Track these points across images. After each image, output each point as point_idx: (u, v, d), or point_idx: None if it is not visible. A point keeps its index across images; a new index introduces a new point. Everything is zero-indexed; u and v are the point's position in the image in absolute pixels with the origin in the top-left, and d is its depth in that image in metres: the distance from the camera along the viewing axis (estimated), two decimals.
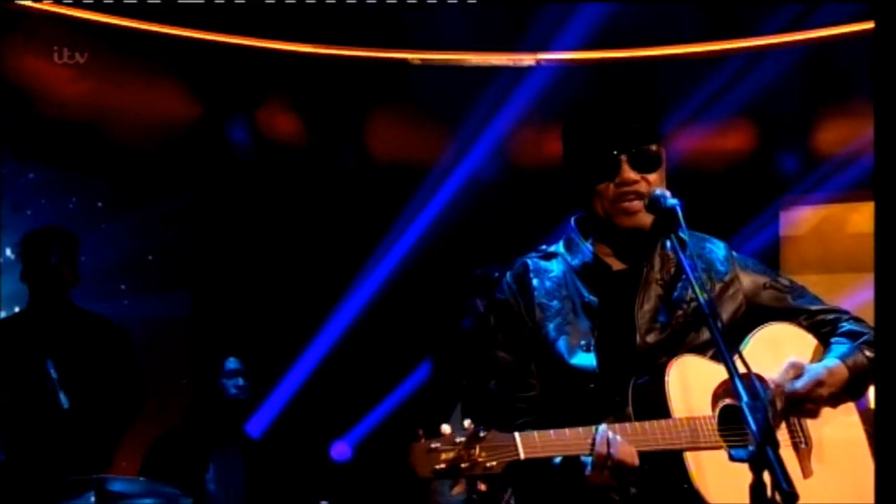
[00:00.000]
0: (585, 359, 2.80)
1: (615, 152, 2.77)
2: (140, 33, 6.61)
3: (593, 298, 2.86)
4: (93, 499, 4.26)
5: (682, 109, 7.13)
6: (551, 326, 2.85)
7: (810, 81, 7.22)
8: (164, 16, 6.56)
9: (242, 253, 7.41)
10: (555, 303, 2.89)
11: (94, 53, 6.57)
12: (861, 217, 7.35)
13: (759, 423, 2.20)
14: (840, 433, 2.72)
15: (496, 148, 7.29)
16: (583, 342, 2.82)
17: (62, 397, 4.41)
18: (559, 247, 2.98)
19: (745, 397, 2.27)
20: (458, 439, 2.38)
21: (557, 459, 2.54)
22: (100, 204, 7.13)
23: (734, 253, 2.97)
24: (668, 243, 2.80)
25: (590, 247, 2.90)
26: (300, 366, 6.96)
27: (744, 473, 2.47)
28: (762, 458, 2.14)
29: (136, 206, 7.10)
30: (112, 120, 6.95)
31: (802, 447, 2.70)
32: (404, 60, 6.68)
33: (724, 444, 2.58)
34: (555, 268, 2.94)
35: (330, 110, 7.41)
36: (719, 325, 2.47)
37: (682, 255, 2.63)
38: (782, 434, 2.66)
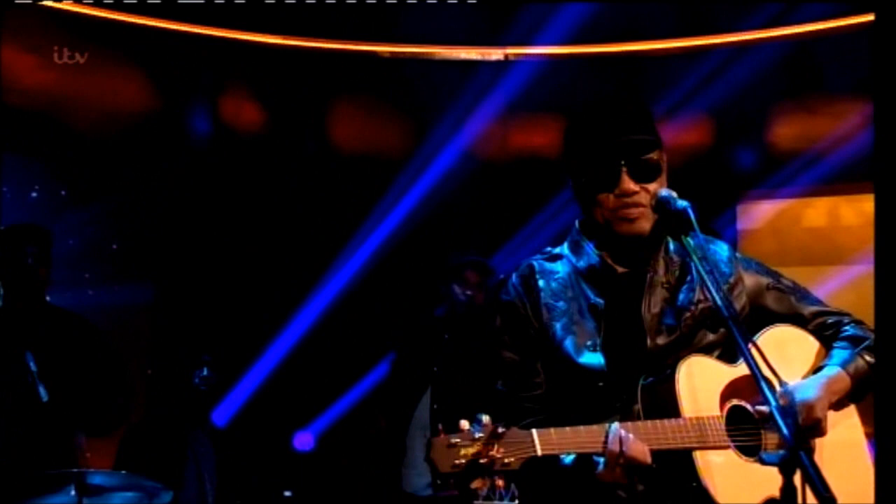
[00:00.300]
0: (593, 358, 2.81)
1: (616, 163, 2.76)
2: (102, 22, 6.53)
3: (599, 300, 2.86)
4: (73, 492, 4.20)
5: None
6: (558, 326, 2.85)
7: (768, 79, 7.30)
8: (127, 5, 6.48)
9: (205, 242, 7.35)
10: (561, 303, 2.89)
11: (57, 43, 6.45)
12: (815, 212, 7.50)
13: (790, 427, 2.21)
14: (841, 436, 2.74)
15: (462, 141, 7.30)
16: (589, 342, 2.82)
17: (41, 390, 4.34)
18: (564, 248, 2.98)
19: (773, 401, 2.28)
20: (477, 435, 2.38)
21: (569, 458, 2.54)
22: (63, 192, 7.02)
23: (737, 254, 2.97)
24: (673, 246, 2.82)
25: (595, 250, 2.90)
26: (266, 356, 6.92)
27: (751, 473, 2.52)
28: (795, 462, 2.15)
29: (100, 195, 6.99)
30: (75, 109, 6.87)
31: (810, 450, 2.67)
32: (374, 53, 6.64)
33: (731, 444, 2.60)
34: (560, 269, 2.94)
35: (293, 100, 7.35)
36: (743, 329, 2.47)
37: (696, 262, 2.63)
38: None
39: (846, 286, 6.97)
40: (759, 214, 7.57)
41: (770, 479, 2.46)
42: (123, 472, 4.66)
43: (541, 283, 2.90)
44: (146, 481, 4.50)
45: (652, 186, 2.74)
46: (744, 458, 2.58)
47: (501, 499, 4.49)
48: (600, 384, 2.74)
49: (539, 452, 2.43)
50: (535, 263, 2.95)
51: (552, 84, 6.96)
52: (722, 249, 2.95)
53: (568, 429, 2.50)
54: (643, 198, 2.74)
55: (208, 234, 7.33)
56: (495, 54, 6.58)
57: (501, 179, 7.36)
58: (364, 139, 7.49)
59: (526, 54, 6.60)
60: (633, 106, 2.84)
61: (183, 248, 7.35)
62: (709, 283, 2.56)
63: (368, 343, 6.75)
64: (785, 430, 2.20)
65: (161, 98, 7.15)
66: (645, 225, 2.76)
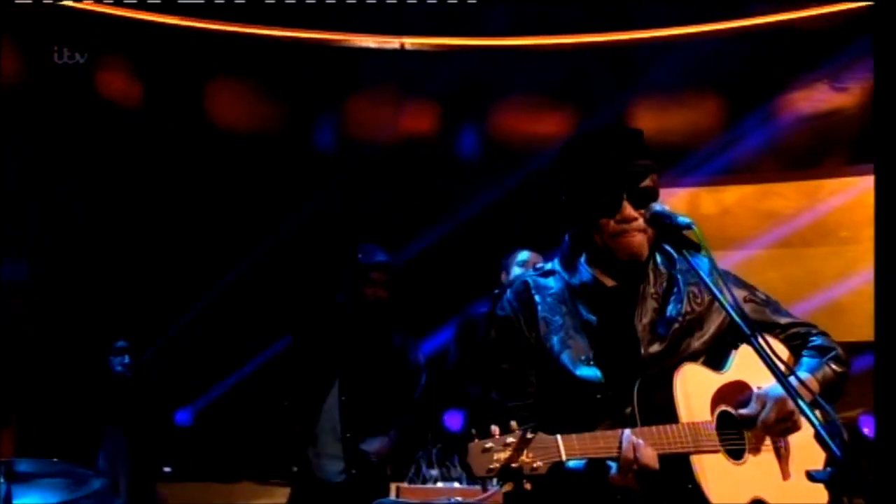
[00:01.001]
0: (590, 371, 2.84)
1: (617, 192, 2.78)
2: None
3: (591, 317, 2.89)
4: (1, 479, 4.04)
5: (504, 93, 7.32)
6: (555, 340, 2.88)
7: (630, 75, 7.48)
8: None
9: (82, 219, 7.10)
10: (557, 318, 2.91)
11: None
12: (678, 201, 7.74)
13: (839, 447, 2.28)
14: (809, 439, 2.86)
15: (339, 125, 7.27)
16: (583, 357, 2.85)
17: None
18: (556, 264, 2.99)
19: (816, 422, 2.35)
20: (508, 440, 2.41)
21: (580, 462, 2.58)
22: None
23: (717, 266, 2.98)
24: (659, 259, 2.89)
25: (587, 267, 2.92)
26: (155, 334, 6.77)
27: (739, 475, 2.65)
28: (845, 480, 2.23)
29: None
30: None
31: (783, 452, 2.80)
32: (270, 38, 6.53)
33: (721, 448, 2.68)
34: (553, 285, 2.96)
35: (172, 77, 7.16)
36: (765, 342, 2.53)
37: (705, 276, 2.68)
38: (767, 441, 2.77)
39: None
40: (670, 201, 7.79)
41: (755, 481, 2.67)
42: (54, 459, 4.49)
43: (537, 297, 2.92)
44: (77, 468, 4.36)
45: (646, 211, 2.78)
46: (731, 460, 2.67)
47: (425, 481, 4.56)
48: (598, 396, 2.79)
49: (563, 457, 2.46)
50: (529, 280, 2.98)
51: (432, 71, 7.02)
52: (703, 262, 2.92)
53: (587, 435, 2.54)
54: (641, 223, 2.78)
55: (86, 210, 7.08)
56: (392, 43, 6.56)
57: (381, 162, 7.36)
58: (244, 118, 7.36)
59: (422, 44, 6.60)
60: (631, 135, 2.87)
61: (59, 225, 7.08)
62: (721, 300, 2.62)
63: (260, 325, 6.67)
64: (835, 450, 2.27)
65: (32, 71, 6.86)
66: (644, 249, 2.81)
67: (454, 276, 7.06)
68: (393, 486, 4.55)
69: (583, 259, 2.91)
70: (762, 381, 2.75)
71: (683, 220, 2.71)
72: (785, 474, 2.73)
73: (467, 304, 5.73)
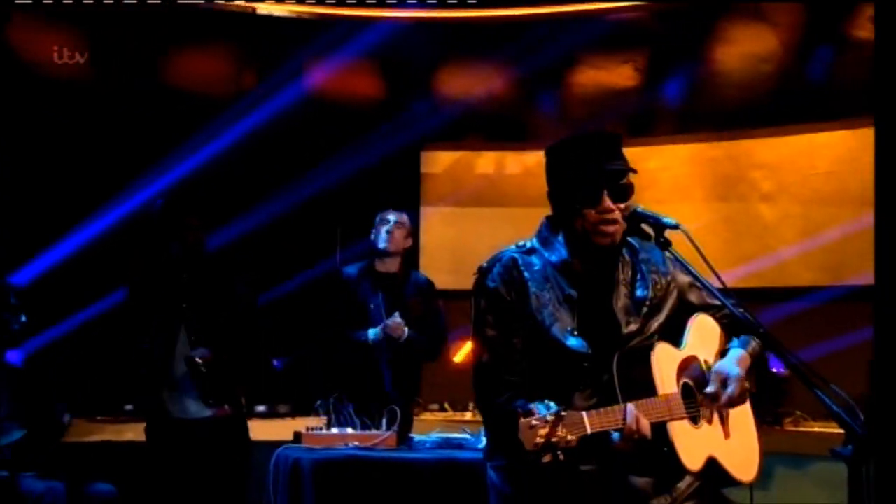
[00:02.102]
0: (578, 342, 3.05)
1: (599, 187, 3.01)
2: None
3: (572, 291, 3.09)
4: None
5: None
6: (546, 313, 3.06)
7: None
8: None
9: None
10: (545, 293, 3.09)
11: None
12: (485, 161, 8.11)
13: (860, 427, 2.55)
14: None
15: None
16: (569, 328, 3.06)
17: None
18: (534, 243, 3.18)
19: (833, 406, 2.60)
20: (548, 417, 2.66)
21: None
22: None
23: (666, 254, 3.22)
24: (625, 250, 3.18)
25: (565, 247, 3.12)
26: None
27: (699, 438, 3.01)
28: (865, 456, 2.51)
29: None
30: None
31: (724, 416, 3.15)
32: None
33: (686, 415, 3.02)
34: (536, 262, 3.13)
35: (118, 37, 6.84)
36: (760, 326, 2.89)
37: (660, 265, 3.09)
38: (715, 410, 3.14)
39: (507, 224, 7.67)
40: (439, 161, 8.05)
41: (709, 442, 3.05)
42: None
43: (526, 274, 3.10)
44: None
45: (624, 205, 3.05)
46: (692, 425, 3.03)
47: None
48: (584, 364, 3.02)
49: (589, 431, 2.69)
50: (517, 257, 3.14)
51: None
52: (656, 251, 3.21)
53: (600, 410, 2.79)
54: (618, 215, 3.04)
55: None
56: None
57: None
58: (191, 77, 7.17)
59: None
60: (612, 139, 3.12)
61: None
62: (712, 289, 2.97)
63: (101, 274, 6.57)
64: (856, 429, 2.53)
65: None
66: (618, 238, 3.07)
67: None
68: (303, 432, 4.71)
69: (560, 239, 3.14)
70: (709, 356, 3.14)
71: (669, 221, 3.00)
72: (727, 434, 3.11)
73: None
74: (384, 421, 4.79)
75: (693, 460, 2.95)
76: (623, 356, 3.02)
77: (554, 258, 3.12)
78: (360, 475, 4.36)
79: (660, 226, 3.00)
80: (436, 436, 4.79)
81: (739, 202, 7.35)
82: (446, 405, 7.19)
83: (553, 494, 2.98)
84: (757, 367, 3.17)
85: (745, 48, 7.28)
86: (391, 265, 5.55)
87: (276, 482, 4.56)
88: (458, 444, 4.71)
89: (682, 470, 2.95)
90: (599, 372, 3.01)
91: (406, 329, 5.30)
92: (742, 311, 3.19)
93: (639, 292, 3.15)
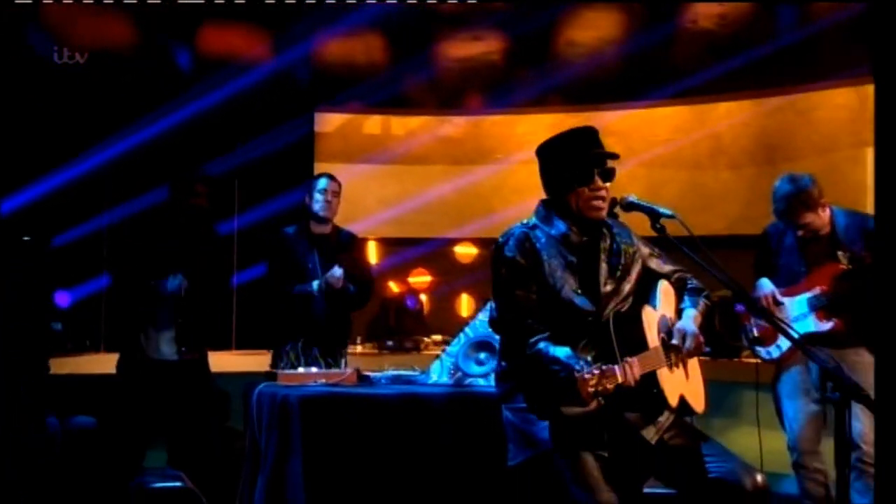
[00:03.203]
0: (584, 300, 3.46)
1: (591, 169, 3.45)
2: None
3: (573, 259, 3.49)
4: None
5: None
6: (556, 277, 3.46)
7: None
8: None
9: None
10: (553, 260, 3.48)
11: None
12: (372, 123, 8.46)
13: (847, 379, 2.96)
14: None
15: None
16: (575, 289, 3.45)
17: None
18: (536, 221, 3.56)
19: (821, 359, 3.10)
20: (595, 372, 3.08)
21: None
22: None
23: (630, 230, 3.69)
24: (615, 228, 3.61)
25: (562, 221, 3.51)
26: None
27: (673, 380, 3.45)
28: (848, 402, 2.96)
29: None
30: None
31: (683, 362, 3.56)
32: None
33: (666, 363, 3.43)
34: (541, 235, 3.52)
35: None
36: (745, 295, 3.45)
37: (632, 239, 3.62)
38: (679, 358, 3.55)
39: (392, 179, 8.11)
40: (330, 122, 8.33)
41: (679, 383, 3.52)
42: None
43: (538, 245, 3.49)
44: None
45: (609, 185, 3.49)
46: (669, 371, 3.43)
47: (293, 368, 5.07)
48: (589, 319, 3.44)
49: (619, 380, 3.12)
50: (527, 232, 3.53)
51: None
52: (625, 229, 3.65)
53: (624, 365, 3.17)
54: (605, 192, 3.48)
55: None
56: None
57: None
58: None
59: None
60: (592, 132, 3.56)
61: None
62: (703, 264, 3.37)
63: None
64: (846, 380, 2.95)
65: None
66: (605, 212, 3.51)
67: None
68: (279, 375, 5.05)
69: (556, 216, 3.54)
70: (670, 313, 3.60)
71: (665, 210, 3.43)
72: (686, 376, 3.56)
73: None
74: (343, 361, 5.24)
75: (673, 398, 3.42)
76: (617, 316, 3.43)
77: (554, 231, 3.53)
78: (341, 409, 4.62)
79: (655, 214, 3.43)
80: (388, 373, 5.12)
81: None
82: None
83: (568, 429, 3.37)
84: (706, 320, 3.65)
85: (593, 32, 7.78)
86: (325, 228, 5.80)
87: (260, 416, 4.76)
88: (409, 380, 5.06)
89: (663, 406, 3.39)
90: (597, 327, 3.44)
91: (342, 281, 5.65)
92: (690, 277, 3.78)
93: (614, 259, 3.58)
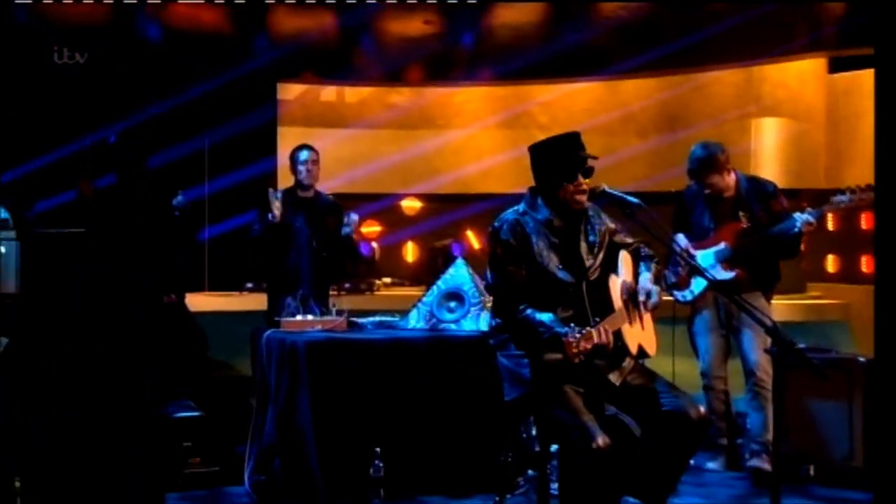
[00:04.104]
0: (566, 274, 3.74)
1: (575, 170, 3.74)
2: None
3: (556, 240, 3.77)
4: None
5: None
6: (544, 255, 3.73)
7: None
8: None
9: None
10: (539, 241, 3.75)
11: None
12: (327, 92, 8.57)
13: (782, 336, 3.32)
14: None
15: None
16: (558, 265, 3.74)
17: None
18: (524, 208, 3.83)
19: (758, 318, 3.48)
20: (577, 335, 3.44)
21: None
22: None
23: (599, 210, 3.98)
24: (590, 212, 3.91)
25: (546, 209, 3.78)
26: None
27: (633, 333, 3.81)
28: (783, 355, 3.30)
29: None
30: None
31: (638, 315, 3.88)
32: None
33: (628, 321, 3.78)
34: (529, 221, 3.79)
35: None
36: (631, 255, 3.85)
37: (607, 221, 3.97)
38: (633, 312, 3.87)
39: (346, 142, 8.26)
40: (291, 91, 8.44)
41: (637, 334, 3.85)
42: None
43: (528, 229, 3.78)
44: None
45: (589, 181, 3.78)
46: (630, 325, 3.78)
47: (293, 316, 5.24)
48: (571, 290, 3.76)
49: (596, 341, 3.48)
50: (518, 218, 3.80)
51: None
52: (598, 212, 3.93)
53: (597, 328, 3.53)
54: (586, 188, 3.78)
55: None
56: None
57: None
58: None
59: None
60: (577, 137, 3.83)
61: None
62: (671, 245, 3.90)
63: None
64: (782, 338, 3.30)
65: None
66: (585, 204, 3.82)
67: None
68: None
69: (542, 204, 3.82)
70: (629, 278, 3.92)
71: (633, 200, 3.72)
72: (642, 327, 3.91)
73: None
74: (334, 310, 5.50)
75: (633, 347, 3.81)
76: (589, 285, 3.81)
77: (540, 216, 3.81)
78: (340, 351, 4.90)
79: (625, 203, 3.74)
80: (373, 319, 5.38)
81: (522, 130, 8.24)
82: None
83: (550, 373, 3.65)
84: (657, 283, 4.04)
85: (516, 17, 7.94)
86: (309, 193, 6.03)
87: (270, 358, 4.98)
88: (392, 325, 5.31)
89: (626, 354, 3.77)
90: (575, 294, 3.81)
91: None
92: (643, 246, 4.10)
93: (591, 238, 3.90)
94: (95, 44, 6.95)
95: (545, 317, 3.63)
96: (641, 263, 4.01)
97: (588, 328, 3.54)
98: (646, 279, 3.92)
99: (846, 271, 7.83)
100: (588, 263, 3.85)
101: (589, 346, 3.49)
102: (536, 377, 3.68)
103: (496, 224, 3.88)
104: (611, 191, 3.84)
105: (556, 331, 3.54)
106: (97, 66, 6.91)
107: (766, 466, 5.11)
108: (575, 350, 3.46)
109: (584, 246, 3.87)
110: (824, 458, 5.09)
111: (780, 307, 6.09)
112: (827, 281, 7.81)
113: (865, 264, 7.80)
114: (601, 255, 3.90)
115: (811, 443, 5.10)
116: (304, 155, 6.03)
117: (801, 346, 5.03)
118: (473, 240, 8.29)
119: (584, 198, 3.81)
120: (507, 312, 3.82)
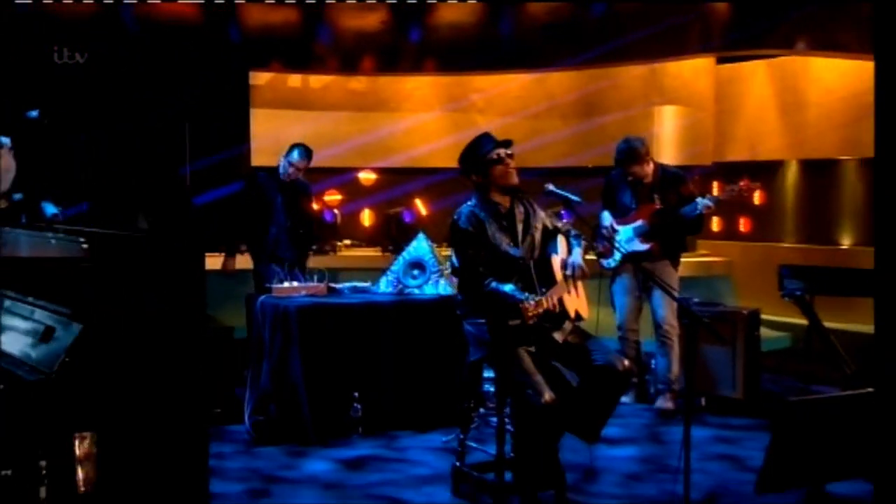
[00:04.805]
0: (517, 251, 3.97)
1: (501, 153, 4.03)
2: None
3: (504, 223, 4.02)
4: None
5: None
6: (497, 238, 3.99)
7: None
8: None
9: None
10: (491, 226, 4.00)
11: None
12: (294, 79, 8.74)
13: (692, 306, 3.88)
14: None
15: None
16: (509, 243, 3.99)
17: None
18: (475, 201, 4.08)
19: (674, 295, 4.08)
20: (533, 302, 3.67)
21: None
22: None
23: (534, 203, 4.20)
24: (522, 199, 4.14)
25: (491, 199, 4.04)
26: None
27: (570, 300, 4.12)
28: (696, 328, 3.80)
29: None
30: None
31: (573, 285, 4.09)
32: None
33: (567, 290, 4.02)
34: (480, 211, 4.05)
35: None
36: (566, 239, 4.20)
37: (537, 208, 4.21)
38: (570, 283, 4.09)
39: (312, 122, 8.47)
40: (262, 77, 8.60)
41: (573, 301, 4.06)
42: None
43: (482, 216, 4.03)
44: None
45: (513, 154, 4.03)
46: (568, 294, 4.01)
47: (281, 282, 5.51)
48: (521, 263, 3.99)
49: (546, 306, 3.76)
50: (474, 210, 4.03)
51: None
52: (531, 203, 4.12)
53: (546, 296, 3.79)
54: (511, 160, 4.02)
55: None
56: None
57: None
58: None
59: None
60: (489, 133, 4.13)
61: None
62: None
63: None
64: (685, 303, 4.03)
65: None
66: (516, 178, 4.03)
67: None
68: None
69: (485, 195, 4.07)
70: (565, 255, 4.12)
71: (574, 197, 4.01)
72: (577, 295, 4.14)
73: None
74: (314, 277, 5.83)
75: (571, 312, 4.06)
76: (535, 262, 4.07)
77: (488, 206, 4.07)
78: (325, 313, 5.23)
79: (567, 200, 4.07)
80: (348, 285, 5.71)
81: (463, 114, 8.66)
82: None
83: (508, 336, 3.88)
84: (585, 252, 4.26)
85: (454, 15, 8.25)
86: (287, 179, 6.32)
87: (264, 319, 5.22)
88: (365, 290, 5.62)
89: (566, 318, 4.02)
90: (524, 269, 4.06)
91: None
92: (572, 228, 4.39)
93: (525, 223, 4.12)
94: (95, 44, 6.97)
95: (507, 287, 3.87)
96: (573, 241, 4.25)
97: (539, 296, 3.87)
98: (576, 255, 4.17)
99: (728, 231, 8.58)
100: (523, 243, 4.08)
101: (541, 311, 3.78)
102: (495, 340, 3.96)
103: (455, 217, 4.10)
104: (555, 189, 4.14)
105: (517, 297, 3.83)
106: (97, 65, 6.88)
107: (670, 405, 5.70)
108: (531, 314, 3.75)
109: (520, 227, 4.10)
110: (714, 392, 5.75)
111: None
112: (712, 239, 8.46)
113: (742, 224, 8.57)
114: (535, 236, 4.14)
115: (704, 380, 5.73)
116: (295, 156, 6.18)
117: (695, 300, 5.85)
118: (421, 207, 8.66)
119: (512, 170, 4.04)
120: (474, 288, 4.03)
